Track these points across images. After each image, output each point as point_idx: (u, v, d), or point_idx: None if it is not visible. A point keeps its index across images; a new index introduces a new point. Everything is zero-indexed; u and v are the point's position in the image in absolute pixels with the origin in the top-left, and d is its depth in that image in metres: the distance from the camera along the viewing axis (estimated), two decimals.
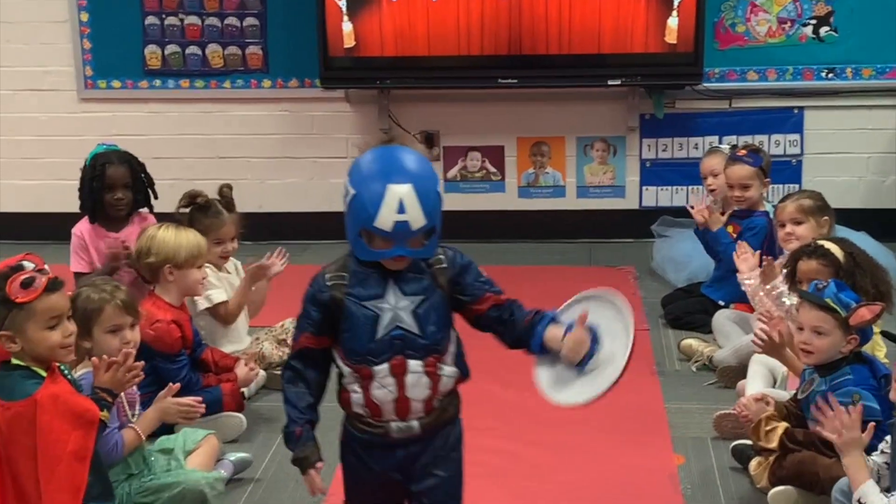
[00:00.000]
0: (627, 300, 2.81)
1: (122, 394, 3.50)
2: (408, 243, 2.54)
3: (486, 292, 2.70)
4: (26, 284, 2.99)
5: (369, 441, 2.76)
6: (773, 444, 3.62)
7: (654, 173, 6.55)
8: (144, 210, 4.97)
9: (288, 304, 5.07)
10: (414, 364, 2.62)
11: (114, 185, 4.82)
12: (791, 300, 4.27)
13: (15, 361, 3.04)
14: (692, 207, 5.20)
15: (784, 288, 4.32)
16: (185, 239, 4.21)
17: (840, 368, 3.59)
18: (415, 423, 2.68)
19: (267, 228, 6.13)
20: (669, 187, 6.54)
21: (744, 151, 5.09)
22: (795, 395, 3.79)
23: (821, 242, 4.08)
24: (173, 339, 4.05)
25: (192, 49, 6.54)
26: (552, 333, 2.66)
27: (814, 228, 4.51)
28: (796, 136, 6.39)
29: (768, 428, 3.63)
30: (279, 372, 4.59)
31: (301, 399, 2.78)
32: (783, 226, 4.60)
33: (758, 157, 5.07)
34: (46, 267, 3.11)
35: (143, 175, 4.93)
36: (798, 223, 4.56)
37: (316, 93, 6.51)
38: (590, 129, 6.50)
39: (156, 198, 4.94)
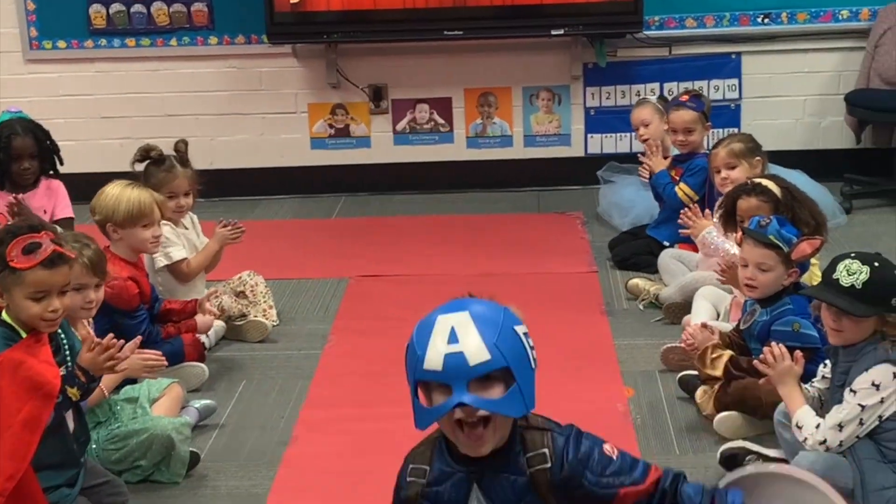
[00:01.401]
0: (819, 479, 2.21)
1: None
2: (470, 388, 1.95)
3: (618, 489, 2.04)
4: (28, 251, 2.95)
5: None
6: (718, 372, 3.78)
7: (599, 121, 6.67)
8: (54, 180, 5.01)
9: (243, 257, 5.21)
10: None
11: (20, 156, 4.86)
12: (734, 249, 4.45)
13: (4, 316, 3.05)
14: (648, 159, 5.35)
15: (717, 236, 4.47)
16: (126, 197, 4.17)
17: (781, 299, 3.76)
18: None
19: (218, 185, 6.15)
20: (614, 134, 6.67)
21: (686, 97, 5.25)
22: (738, 325, 3.96)
23: (757, 180, 4.23)
24: (131, 295, 4.10)
25: (137, 7, 6.54)
26: None
27: (747, 170, 4.66)
28: (734, 81, 6.53)
29: (714, 356, 3.79)
30: (239, 323, 4.71)
31: None
32: (718, 171, 4.76)
33: (700, 102, 5.23)
34: (64, 244, 3.07)
35: (48, 143, 4.96)
36: (731, 167, 4.71)
37: (263, 49, 6.55)
38: (535, 78, 6.61)
39: (61, 164, 4.99)
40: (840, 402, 3.20)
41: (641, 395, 4.07)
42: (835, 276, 3.16)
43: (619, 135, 6.65)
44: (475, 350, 1.96)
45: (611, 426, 3.83)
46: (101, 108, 6.67)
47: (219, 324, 4.65)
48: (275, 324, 4.83)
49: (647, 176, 5.41)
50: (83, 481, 3.22)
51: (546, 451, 2.04)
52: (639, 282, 5.00)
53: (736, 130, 6.31)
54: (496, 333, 1.98)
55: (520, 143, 6.73)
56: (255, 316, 4.77)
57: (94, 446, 3.54)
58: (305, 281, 5.37)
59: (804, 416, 3.25)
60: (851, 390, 3.16)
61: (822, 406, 3.34)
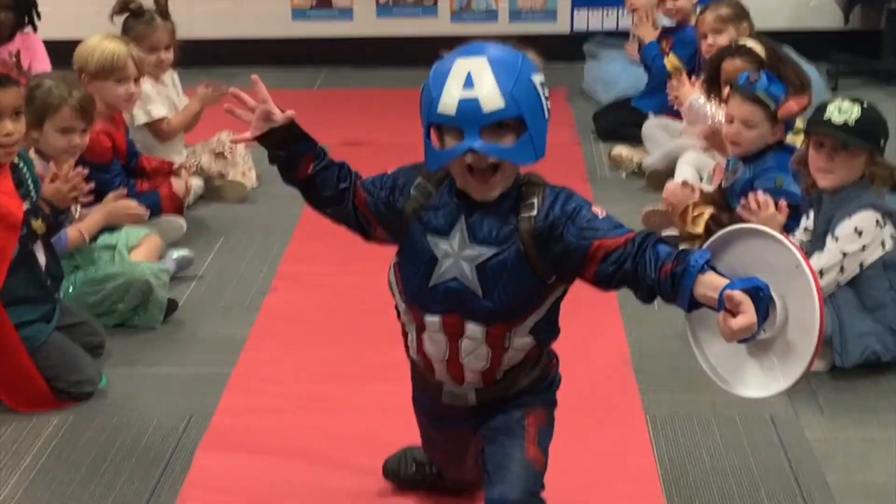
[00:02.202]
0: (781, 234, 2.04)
1: None
2: (482, 134, 1.93)
3: (592, 241, 1.98)
4: None
5: (425, 398, 2.31)
6: (700, 229, 3.77)
7: None
8: (28, 30, 4.89)
9: (221, 117, 5.08)
10: (473, 328, 2.08)
11: None
12: (719, 114, 4.41)
13: None
14: (636, 34, 5.28)
15: (702, 100, 4.42)
16: (101, 49, 4.05)
17: (764, 156, 3.74)
18: (470, 394, 2.19)
19: (196, 55, 6.05)
20: (600, 9, 6.58)
21: None
22: (720, 184, 3.94)
23: (741, 41, 4.20)
24: (104, 148, 4.02)
25: None
26: (705, 292, 1.87)
27: (733, 36, 4.60)
28: None
29: (695, 213, 3.78)
30: (218, 183, 4.66)
31: None
32: (704, 37, 4.70)
33: None
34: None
35: None
36: (718, 32, 4.66)
37: None
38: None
39: (38, 18, 4.85)
40: (822, 249, 3.18)
41: None
42: (825, 116, 3.13)
43: (605, 10, 6.56)
44: (490, 97, 1.93)
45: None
46: None
47: (196, 183, 4.60)
48: (254, 186, 4.78)
49: (635, 52, 5.34)
50: (59, 319, 3.20)
51: (535, 201, 2.04)
52: (622, 151, 4.96)
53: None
54: (512, 82, 1.93)
55: (505, 18, 6.63)
56: (234, 177, 4.71)
57: (70, 290, 3.52)
58: None
59: None
60: (834, 237, 3.15)
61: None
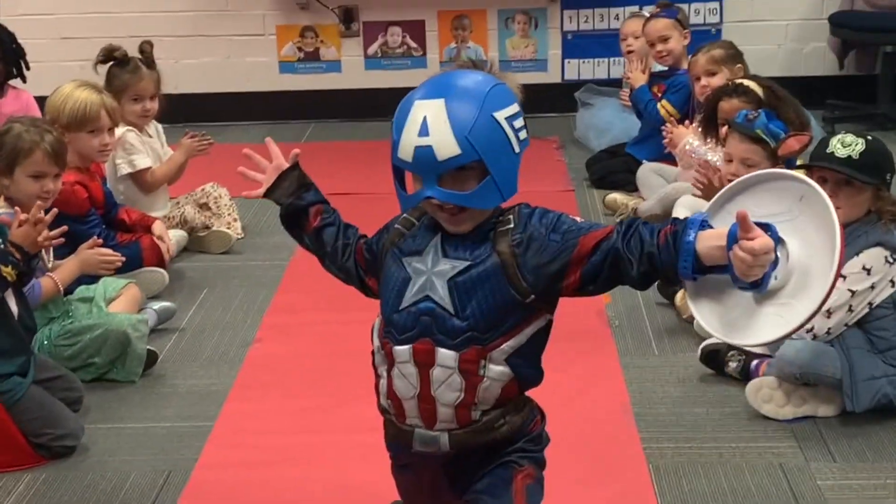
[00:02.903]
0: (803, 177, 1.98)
1: None
2: (443, 179, 1.87)
3: (578, 238, 1.90)
4: None
5: (398, 454, 2.16)
6: None
7: (576, 46, 6.49)
8: (18, 83, 4.78)
9: (207, 170, 5.02)
10: (444, 355, 1.94)
11: None
12: (715, 157, 4.32)
13: None
14: (628, 78, 5.21)
15: (697, 143, 4.34)
16: (73, 98, 3.92)
17: None
18: (443, 437, 2.00)
19: (183, 110, 5.97)
20: (591, 60, 6.50)
21: (657, 9, 5.14)
22: None
23: (738, 81, 4.10)
24: (79, 199, 3.91)
25: None
26: (710, 243, 1.80)
27: (728, 78, 4.51)
28: (715, 5, 6.38)
29: None
30: (202, 234, 4.53)
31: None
32: (698, 79, 4.62)
33: (671, 10, 5.11)
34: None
35: (13, 46, 4.72)
36: (712, 74, 4.57)
37: None
38: (510, 0, 6.42)
39: (27, 69, 4.75)
40: None
41: (619, 301, 3.91)
42: (828, 150, 3.02)
43: (596, 60, 6.48)
44: (444, 144, 1.84)
45: (589, 329, 3.70)
46: (60, 27, 6.45)
47: (180, 234, 4.47)
48: (239, 237, 4.65)
49: (628, 97, 5.27)
50: (34, 373, 3.05)
51: (511, 217, 1.97)
52: (617, 196, 4.86)
53: None
54: (470, 125, 1.84)
55: (495, 68, 6.48)
56: (219, 228, 4.59)
57: (45, 343, 3.39)
58: None
59: None
60: (841, 275, 3.01)
61: None
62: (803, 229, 1.88)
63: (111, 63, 4.47)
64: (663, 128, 4.56)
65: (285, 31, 6.51)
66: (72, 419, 3.06)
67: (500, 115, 1.88)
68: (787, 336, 1.94)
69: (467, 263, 1.94)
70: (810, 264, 1.88)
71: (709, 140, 4.22)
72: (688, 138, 4.45)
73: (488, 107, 1.87)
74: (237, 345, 3.69)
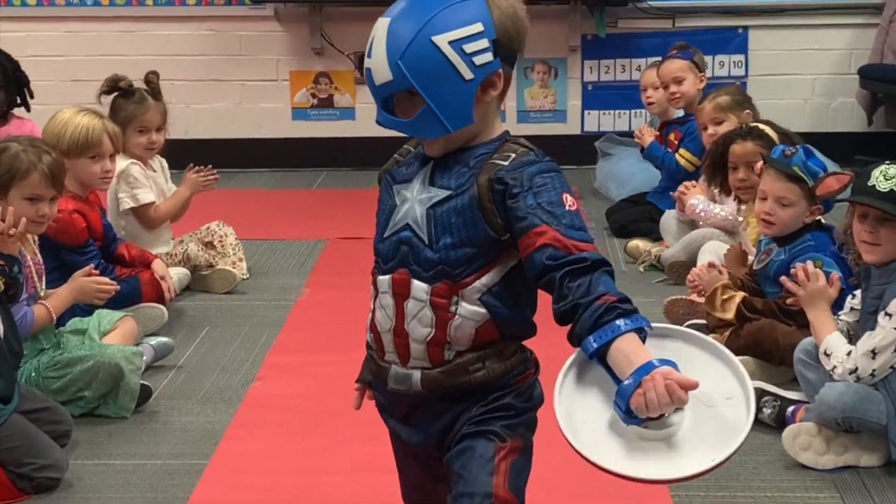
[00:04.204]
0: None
1: (31, 263, 3.23)
2: (387, 105, 1.81)
3: (541, 224, 1.76)
4: None
5: (379, 393, 2.01)
6: (730, 315, 3.43)
7: (596, 97, 6.34)
8: (21, 111, 4.64)
9: (211, 208, 4.84)
10: (417, 287, 1.84)
11: None
12: (723, 211, 4.18)
13: None
14: (638, 138, 5.07)
15: (702, 204, 4.23)
16: (74, 124, 3.79)
17: (801, 237, 3.42)
18: (415, 375, 1.89)
19: (193, 156, 5.81)
20: (612, 111, 6.34)
21: (674, 50, 4.99)
22: (751, 266, 3.61)
23: (752, 124, 3.95)
24: (77, 229, 3.73)
25: None
26: (626, 352, 1.69)
27: (736, 125, 4.35)
28: (741, 57, 6.23)
29: (725, 297, 3.45)
30: (205, 273, 4.34)
31: None
32: (705, 128, 4.46)
33: (687, 52, 4.96)
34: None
35: (16, 74, 4.58)
36: (719, 123, 4.41)
37: (244, 10, 6.23)
38: (530, 50, 6.06)
39: (31, 97, 4.61)
40: (872, 328, 2.84)
41: None
42: (870, 182, 2.82)
43: (617, 112, 6.32)
44: (379, 68, 1.78)
45: None
46: (71, 70, 6.31)
47: (182, 272, 4.28)
48: (244, 277, 4.46)
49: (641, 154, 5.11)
50: (18, 403, 2.84)
51: (512, 156, 1.82)
52: (639, 243, 4.66)
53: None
54: (402, 49, 1.75)
55: (513, 118, 6.38)
56: (224, 267, 4.39)
57: (33, 374, 3.20)
58: (281, 242, 4.99)
59: (834, 342, 2.89)
60: (886, 314, 2.81)
61: (850, 341, 2.97)
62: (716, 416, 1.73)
63: (116, 94, 4.32)
64: (676, 193, 4.43)
65: (299, 76, 6.37)
66: (56, 450, 2.85)
67: (443, 39, 1.75)
68: (639, 481, 1.71)
69: (448, 193, 1.83)
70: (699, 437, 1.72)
71: (715, 189, 4.07)
72: (692, 201, 4.31)
73: (429, 30, 1.75)
74: (237, 383, 3.48)
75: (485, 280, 1.83)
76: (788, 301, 3.10)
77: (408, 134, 1.87)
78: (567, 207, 1.78)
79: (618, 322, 1.69)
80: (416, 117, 1.79)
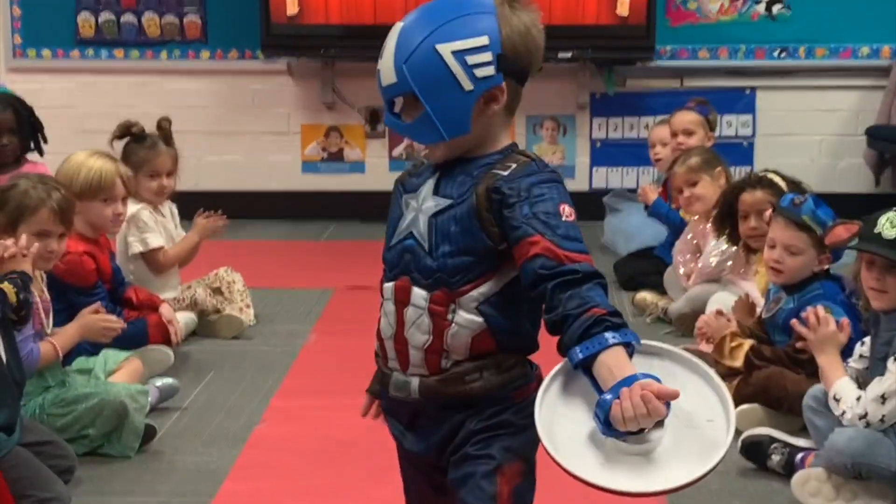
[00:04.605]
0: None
1: (39, 300, 3.23)
2: (404, 105, 1.85)
3: (534, 234, 1.75)
4: None
5: (384, 400, 2.01)
6: (739, 363, 3.41)
7: (605, 154, 6.38)
8: (35, 156, 4.65)
9: (219, 258, 4.84)
10: (417, 294, 1.86)
11: None
12: (713, 259, 4.20)
13: None
14: (642, 192, 5.10)
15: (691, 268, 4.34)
16: (88, 166, 3.80)
17: (810, 285, 3.41)
18: (413, 383, 1.90)
19: (204, 208, 5.85)
20: (620, 168, 6.37)
21: (692, 103, 5.02)
22: (759, 315, 3.60)
23: (762, 173, 3.97)
24: (87, 270, 3.73)
25: (128, 17, 6.29)
26: (610, 366, 1.69)
27: (710, 184, 4.42)
28: (748, 117, 6.26)
29: (733, 344, 3.43)
30: (212, 318, 4.33)
31: None
32: (681, 192, 4.48)
33: (704, 108, 5.02)
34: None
35: (30, 119, 4.61)
36: (693, 184, 4.43)
37: (257, 65, 6.29)
38: (539, 107, 6.31)
39: (45, 142, 4.64)
40: (882, 374, 2.82)
41: None
42: (876, 230, 2.83)
43: (625, 169, 6.35)
44: (386, 70, 1.83)
45: None
46: (83, 121, 6.34)
47: (189, 316, 4.27)
48: (251, 323, 4.45)
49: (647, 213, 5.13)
50: (21, 435, 2.82)
51: (512, 164, 1.83)
52: (646, 295, 4.66)
53: (749, 169, 6.01)
54: (407, 54, 1.80)
55: None
56: (231, 312, 4.39)
57: (37, 411, 3.18)
58: (288, 290, 4.99)
59: (844, 387, 2.87)
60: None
61: (859, 387, 2.95)
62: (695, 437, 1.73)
63: (128, 139, 4.35)
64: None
65: (310, 130, 6.42)
66: (59, 483, 2.82)
67: (446, 48, 1.79)
68: (611, 491, 1.69)
69: (450, 202, 1.86)
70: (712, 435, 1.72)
71: (718, 237, 4.09)
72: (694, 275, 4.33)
73: (435, 38, 1.79)
74: (242, 425, 3.46)
75: (483, 289, 1.84)
76: (798, 345, 3.08)
77: (406, 137, 1.90)
78: (564, 218, 1.79)
79: (606, 335, 1.70)
80: (415, 122, 1.83)
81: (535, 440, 1.87)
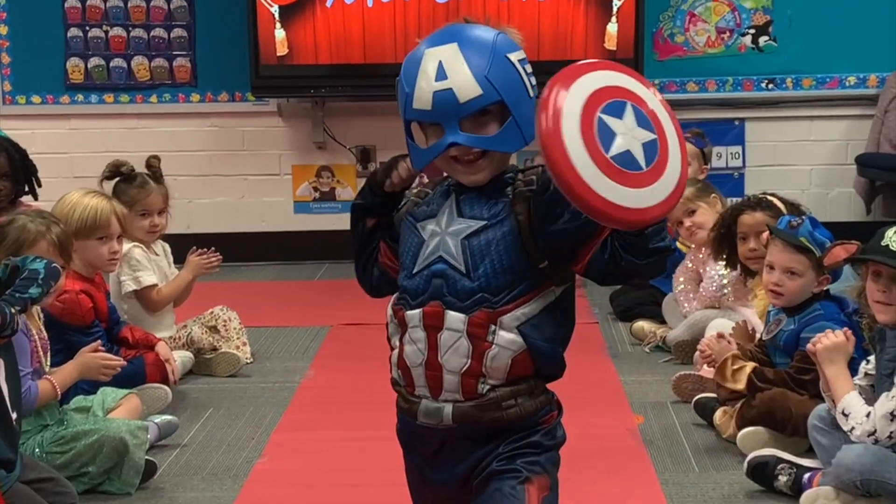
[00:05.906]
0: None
1: (37, 338, 3.20)
2: (463, 126, 1.81)
3: (598, 233, 1.78)
4: None
5: (405, 429, 1.99)
6: (741, 386, 3.40)
7: None
8: (28, 199, 4.62)
9: (214, 298, 4.82)
10: (453, 317, 1.85)
11: None
12: (714, 285, 4.21)
13: None
14: None
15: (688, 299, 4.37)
16: (83, 205, 3.80)
17: (810, 306, 3.41)
18: (446, 409, 1.88)
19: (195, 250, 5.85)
20: None
21: (689, 134, 5.02)
22: (760, 337, 3.59)
23: (760, 195, 4.00)
24: (84, 309, 3.71)
25: (117, 62, 6.29)
26: None
27: (708, 210, 4.43)
28: (738, 149, 6.28)
29: (735, 367, 3.42)
30: (209, 356, 4.30)
31: None
32: (680, 223, 4.48)
33: (700, 141, 5.03)
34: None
35: (24, 163, 4.59)
36: (691, 213, 4.44)
37: (247, 107, 6.29)
38: (535, 143, 6.31)
39: (39, 186, 4.62)
40: (889, 390, 2.81)
41: (653, 421, 3.67)
42: (883, 242, 2.84)
43: None
44: (465, 85, 1.80)
45: (623, 448, 3.45)
46: (75, 166, 6.33)
47: (186, 355, 4.24)
48: (248, 361, 4.42)
49: None
50: (20, 471, 2.78)
51: (535, 178, 1.86)
52: (644, 324, 4.65)
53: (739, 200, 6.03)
54: (487, 64, 1.80)
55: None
56: (228, 350, 4.36)
57: (37, 450, 3.13)
58: (284, 328, 4.96)
59: (852, 402, 2.86)
60: None
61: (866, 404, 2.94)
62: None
63: (118, 178, 4.34)
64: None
65: (301, 170, 6.41)
66: None
67: (514, 57, 1.84)
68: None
69: (483, 223, 1.86)
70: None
71: (717, 261, 4.10)
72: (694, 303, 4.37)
73: (501, 49, 1.83)
74: (243, 460, 3.43)
75: (525, 309, 1.85)
76: (810, 348, 3.04)
77: (490, 148, 1.84)
78: None
79: None
80: (502, 131, 1.82)
81: (558, 461, 1.92)
